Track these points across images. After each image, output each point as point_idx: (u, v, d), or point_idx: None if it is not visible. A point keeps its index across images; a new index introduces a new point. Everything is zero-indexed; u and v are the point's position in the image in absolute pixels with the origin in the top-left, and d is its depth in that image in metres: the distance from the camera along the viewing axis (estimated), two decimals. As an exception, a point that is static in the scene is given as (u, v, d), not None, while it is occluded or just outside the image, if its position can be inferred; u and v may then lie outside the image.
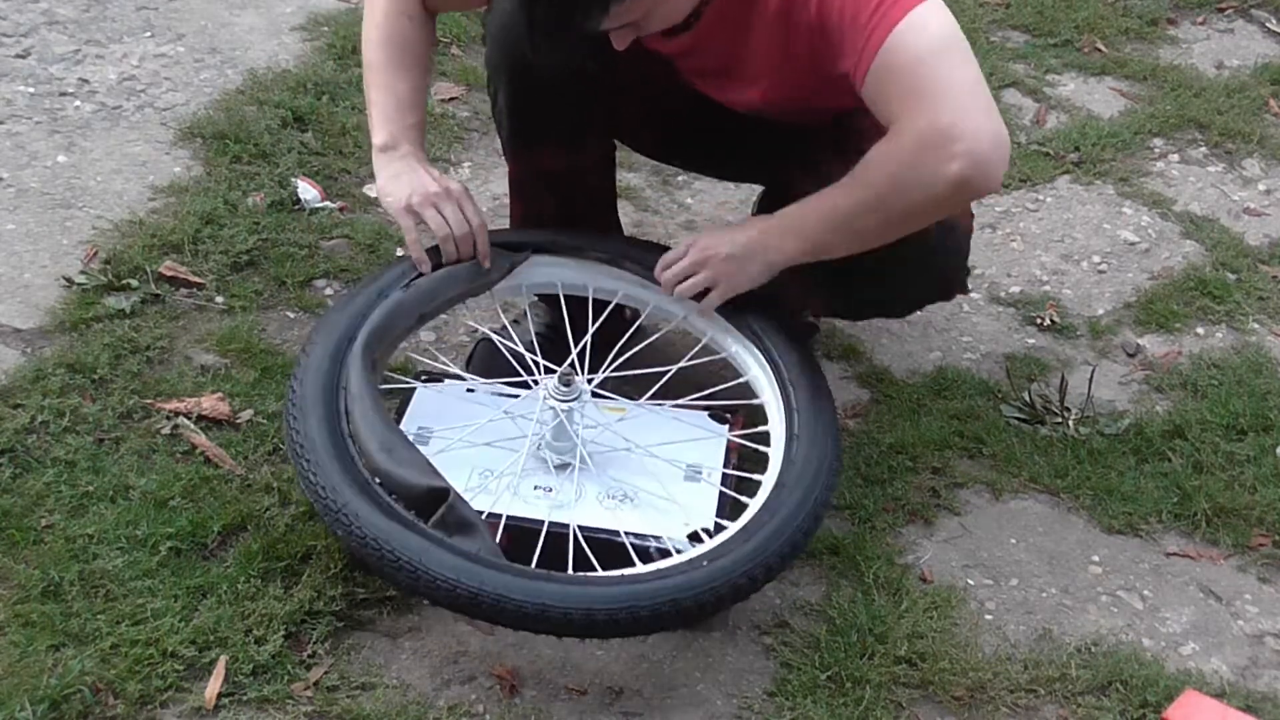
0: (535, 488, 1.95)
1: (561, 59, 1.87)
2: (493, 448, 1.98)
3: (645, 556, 1.84)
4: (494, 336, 2.17)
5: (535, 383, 2.04)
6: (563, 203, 2.21)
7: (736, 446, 2.07)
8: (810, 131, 2.10)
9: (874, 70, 1.79)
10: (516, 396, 2.07)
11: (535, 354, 2.11)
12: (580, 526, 1.87)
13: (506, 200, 2.32)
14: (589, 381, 2.03)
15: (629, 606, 1.70)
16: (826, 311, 2.38)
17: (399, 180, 2.01)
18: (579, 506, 1.92)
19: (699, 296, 2.03)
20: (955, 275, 2.13)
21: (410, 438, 1.97)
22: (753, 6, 1.88)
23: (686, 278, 2.03)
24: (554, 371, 1.99)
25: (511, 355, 2.11)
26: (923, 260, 1.99)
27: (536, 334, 2.25)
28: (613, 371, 2.09)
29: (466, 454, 1.96)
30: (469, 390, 2.11)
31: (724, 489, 1.98)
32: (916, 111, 1.78)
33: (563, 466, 1.98)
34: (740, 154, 2.22)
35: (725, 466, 2.02)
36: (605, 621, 1.70)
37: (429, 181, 2.01)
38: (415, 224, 2.01)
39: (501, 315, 2.18)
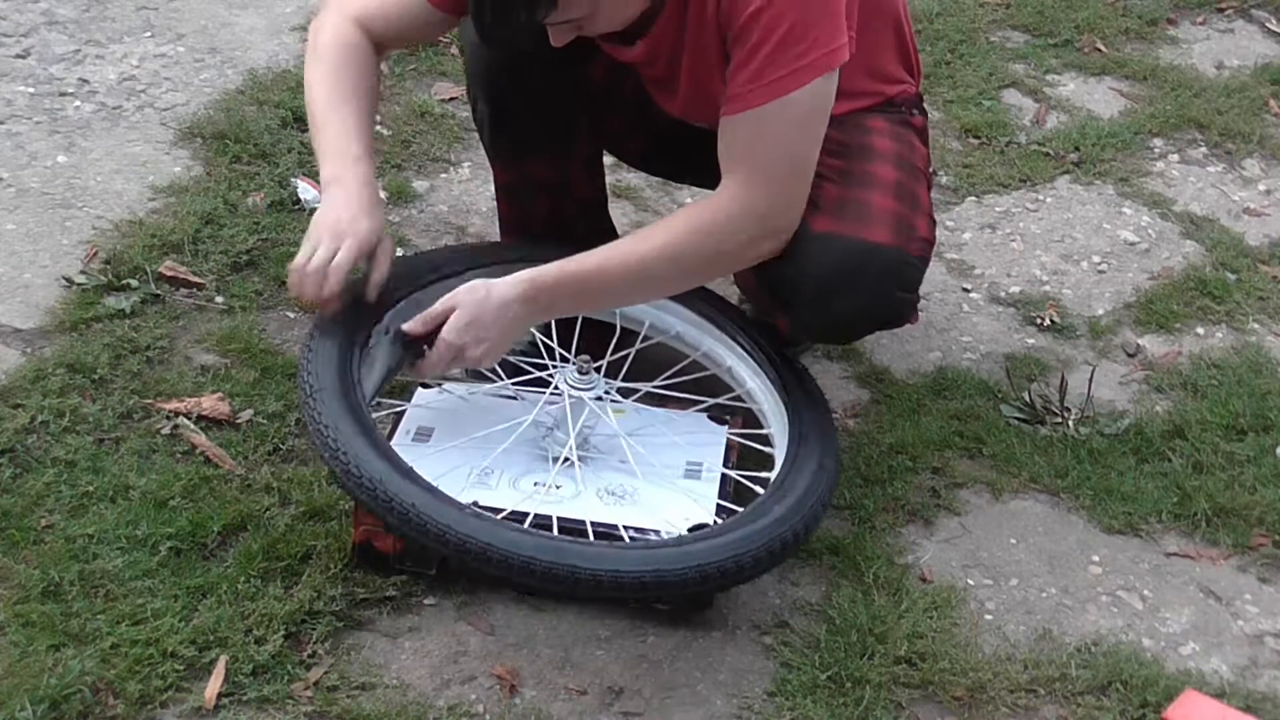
0: (535, 484, 1.95)
1: (508, 45, 1.86)
2: (502, 441, 1.99)
3: None
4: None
5: (553, 371, 2.05)
6: (552, 208, 2.21)
7: (737, 445, 2.08)
8: None
9: (749, 116, 1.84)
10: (519, 398, 2.08)
11: (534, 355, 2.12)
12: (575, 520, 1.88)
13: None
14: (598, 371, 2.04)
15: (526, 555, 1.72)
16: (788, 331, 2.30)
17: (322, 210, 1.92)
18: (577, 502, 1.92)
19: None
20: (904, 304, 2.05)
21: (411, 436, 2.01)
22: (689, 11, 1.88)
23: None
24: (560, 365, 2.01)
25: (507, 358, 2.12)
26: (871, 288, 1.97)
27: (530, 342, 2.25)
28: (620, 373, 2.10)
29: (471, 449, 1.97)
30: (470, 393, 2.12)
31: (723, 488, 1.98)
32: (753, 184, 1.87)
33: (564, 461, 1.98)
34: (698, 166, 2.21)
35: (725, 465, 2.03)
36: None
37: (340, 215, 1.89)
38: (310, 250, 1.88)
39: None
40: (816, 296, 1.96)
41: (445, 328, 1.88)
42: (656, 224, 1.96)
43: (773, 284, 2.01)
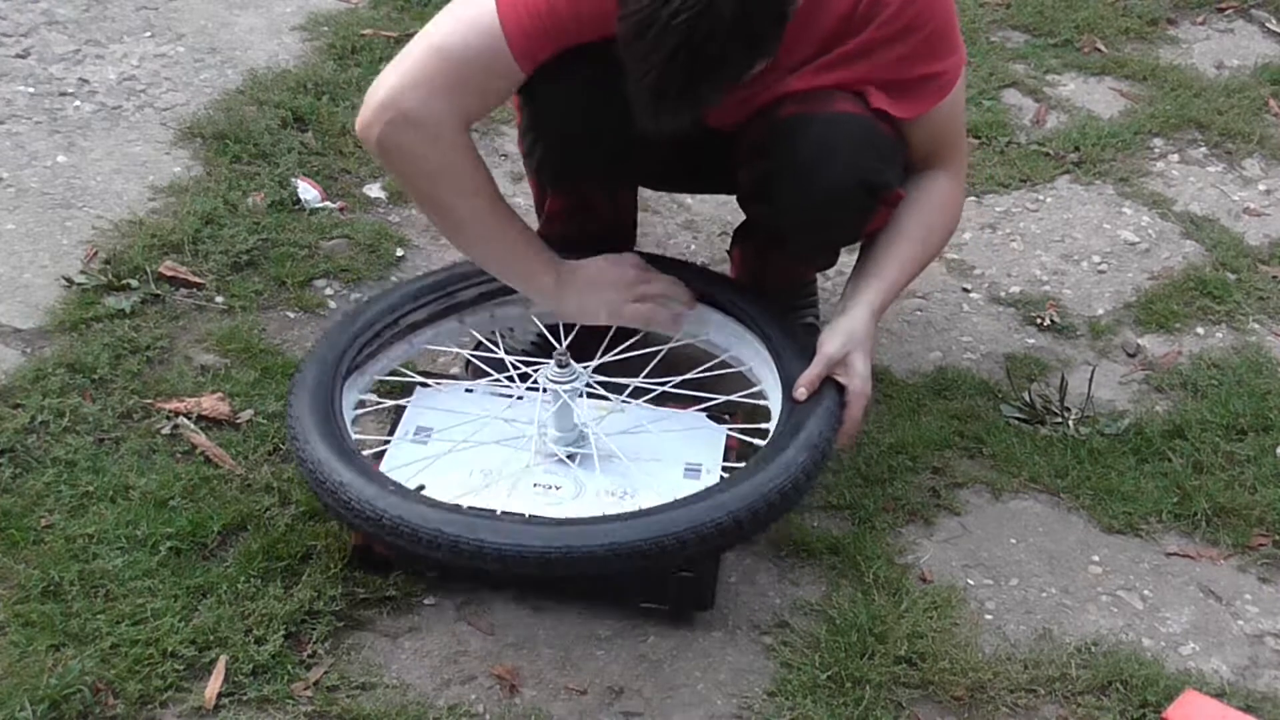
0: (535, 485, 1.95)
1: (687, 122, 1.78)
2: (498, 445, 1.99)
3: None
4: (486, 348, 2.18)
5: (535, 368, 2.05)
6: (582, 231, 2.18)
7: (736, 443, 2.08)
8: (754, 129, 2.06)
9: (943, 107, 2.00)
10: (518, 395, 2.08)
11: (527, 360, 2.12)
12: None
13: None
14: (585, 367, 2.03)
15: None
16: (807, 265, 2.39)
17: (589, 299, 2.07)
18: (578, 503, 1.92)
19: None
20: (886, 171, 2.03)
21: (410, 435, 2.01)
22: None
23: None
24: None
25: (500, 362, 2.11)
26: (850, 152, 1.96)
27: (532, 343, 2.25)
28: (609, 360, 2.10)
29: (469, 452, 1.97)
30: (468, 390, 2.12)
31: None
32: (960, 159, 2.14)
33: (562, 459, 1.97)
34: (716, 171, 2.20)
35: (725, 463, 2.03)
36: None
37: (612, 271, 2.08)
38: (648, 311, 2.08)
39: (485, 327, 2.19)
40: (801, 174, 1.95)
41: (860, 381, 2.00)
42: (913, 217, 2.08)
43: (758, 185, 2.03)
